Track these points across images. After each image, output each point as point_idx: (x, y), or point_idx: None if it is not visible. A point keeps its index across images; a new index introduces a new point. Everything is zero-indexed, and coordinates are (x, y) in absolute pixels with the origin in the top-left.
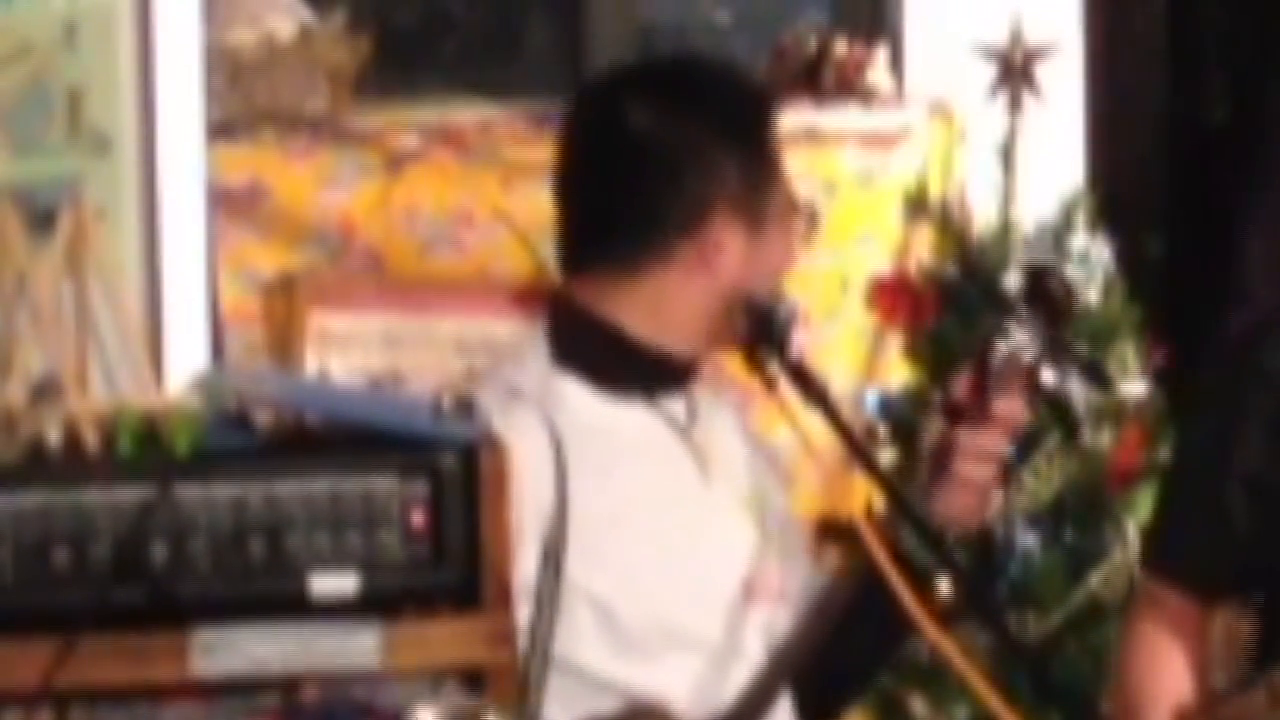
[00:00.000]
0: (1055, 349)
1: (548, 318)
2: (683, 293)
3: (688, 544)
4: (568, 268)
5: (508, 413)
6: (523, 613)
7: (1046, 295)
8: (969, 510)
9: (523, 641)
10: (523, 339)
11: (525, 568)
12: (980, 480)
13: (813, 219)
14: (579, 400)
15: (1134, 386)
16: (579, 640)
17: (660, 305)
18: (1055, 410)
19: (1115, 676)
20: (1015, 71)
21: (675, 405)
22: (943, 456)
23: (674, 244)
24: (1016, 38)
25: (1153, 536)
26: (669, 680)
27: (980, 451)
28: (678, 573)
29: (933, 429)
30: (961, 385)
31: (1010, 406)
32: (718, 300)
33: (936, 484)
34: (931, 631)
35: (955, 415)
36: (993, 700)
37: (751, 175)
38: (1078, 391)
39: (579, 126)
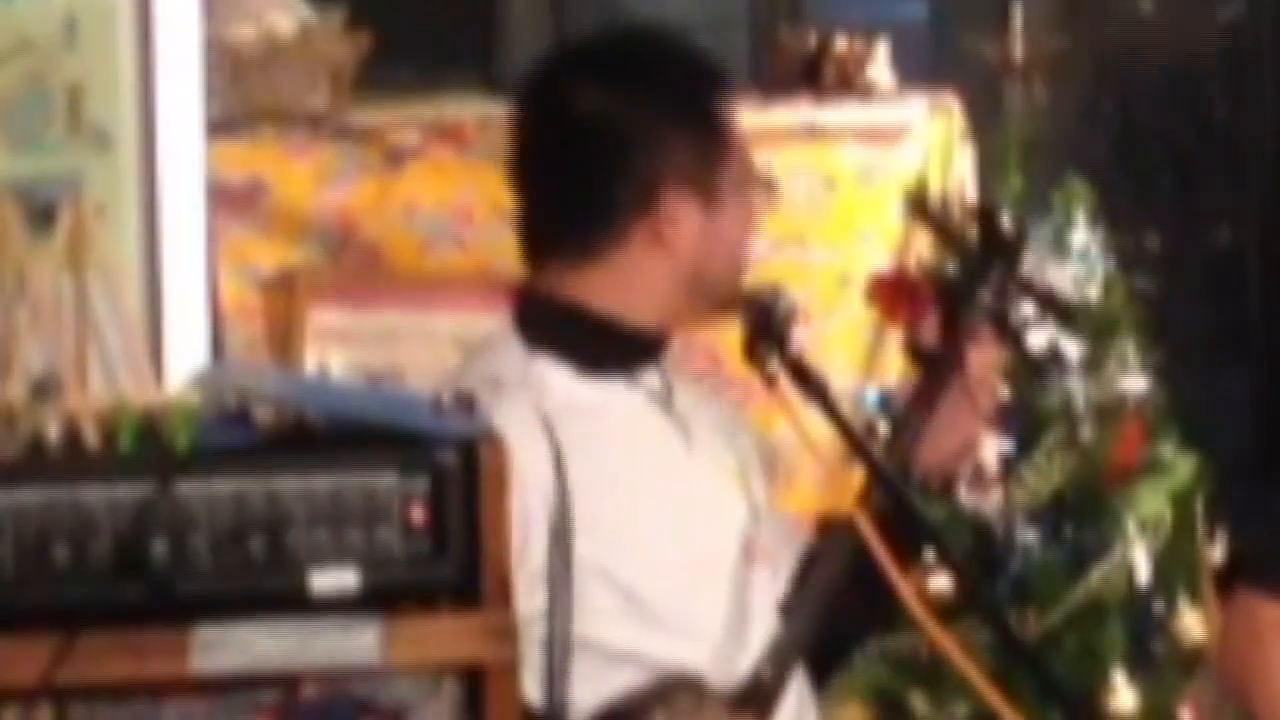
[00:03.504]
0: (1015, 287)
1: (515, 309)
2: (643, 270)
3: (686, 512)
4: (530, 256)
5: (494, 403)
6: (538, 598)
7: (998, 235)
8: (953, 456)
9: (542, 626)
10: (491, 334)
11: (535, 554)
12: (976, 420)
13: (771, 187)
14: (559, 382)
15: (1134, 383)
16: (598, 617)
17: (623, 284)
18: (1049, 308)
19: (1253, 708)
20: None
21: (651, 379)
22: (921, 405)
23: (629, 223)
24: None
25: (1270, 558)
26: (692, 648)
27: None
28: (683, 540)
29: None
30: (930, 332)
31: (984, 352)
32: (679, 275)
33: (920, 433)
34: (933, 630)
35: (928, 364)
36: (993, 697)
37: (702, 149)
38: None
39: (526, 111)
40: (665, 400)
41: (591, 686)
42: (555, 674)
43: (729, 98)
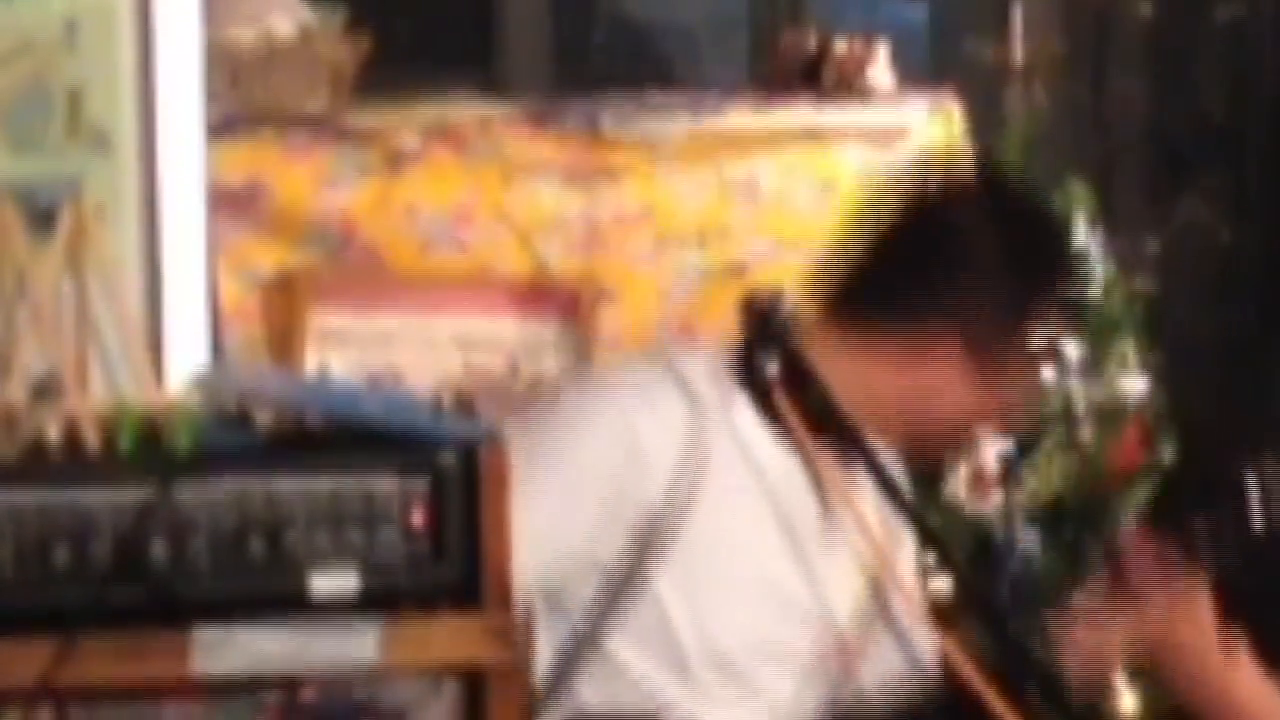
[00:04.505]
0: None
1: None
2: (883, 387)
3: (779, 597)
4: (824, 304)
5: (645, 380)
6: (586, 587)
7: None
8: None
9: (575, 617)
10: (691, 346)
11: (603, 546)
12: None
13: (1009, 413)
14: (743, 417)
15: (1134, 385)
16: (630, 638)
17: (858, 373)
18: None
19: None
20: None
21: (841, 474)
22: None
23: (901, 333)
24: None
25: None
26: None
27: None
28: (757, 622)
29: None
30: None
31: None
32: (903, 403)
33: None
34: None
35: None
36: (993, 700)
37: (998, 325)
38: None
39: (920, 191)
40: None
41: (602, 694)
42: (563, 668)
43: (1056, 309)
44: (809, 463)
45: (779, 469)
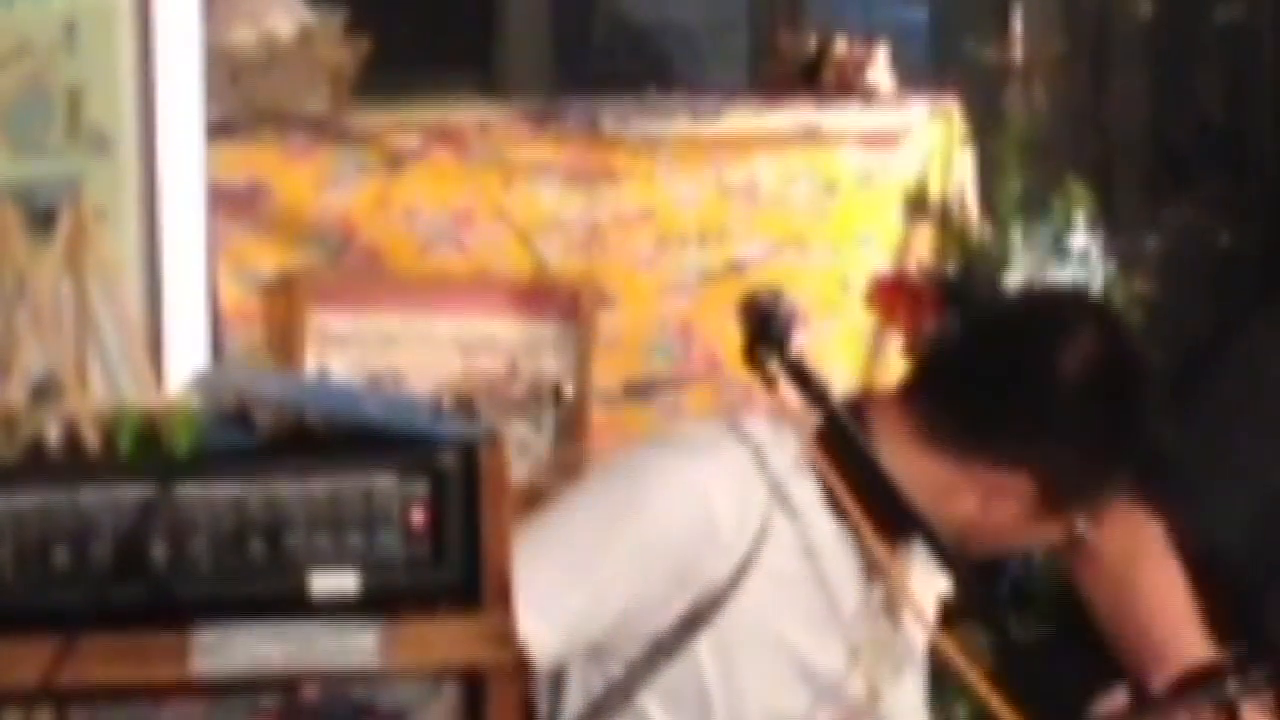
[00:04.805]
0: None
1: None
2: (950, 495)
3: (814, 679)
4: (911, 394)
5: (735, 459)
6: (633, 647)
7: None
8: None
9: (615, 669)
10: (793, 415)
11: (669, 612)
12: None
13: (1076, 545)
14: (803, 491)
15: None
16: (664, 696)
17: (927, 482)
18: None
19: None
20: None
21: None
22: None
23: (978, 459)
24: None
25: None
26: None
27: None
28: (788, 700)
29: None
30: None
31: None
32: (966, 522)
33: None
34: None
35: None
36: (993, 700)
37: (1077, 481)
38: None
39: (1032, 303)
40: (874, 578)
41: None
42: (596, 716)
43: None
44: (858, 534)
45: (832, 551)
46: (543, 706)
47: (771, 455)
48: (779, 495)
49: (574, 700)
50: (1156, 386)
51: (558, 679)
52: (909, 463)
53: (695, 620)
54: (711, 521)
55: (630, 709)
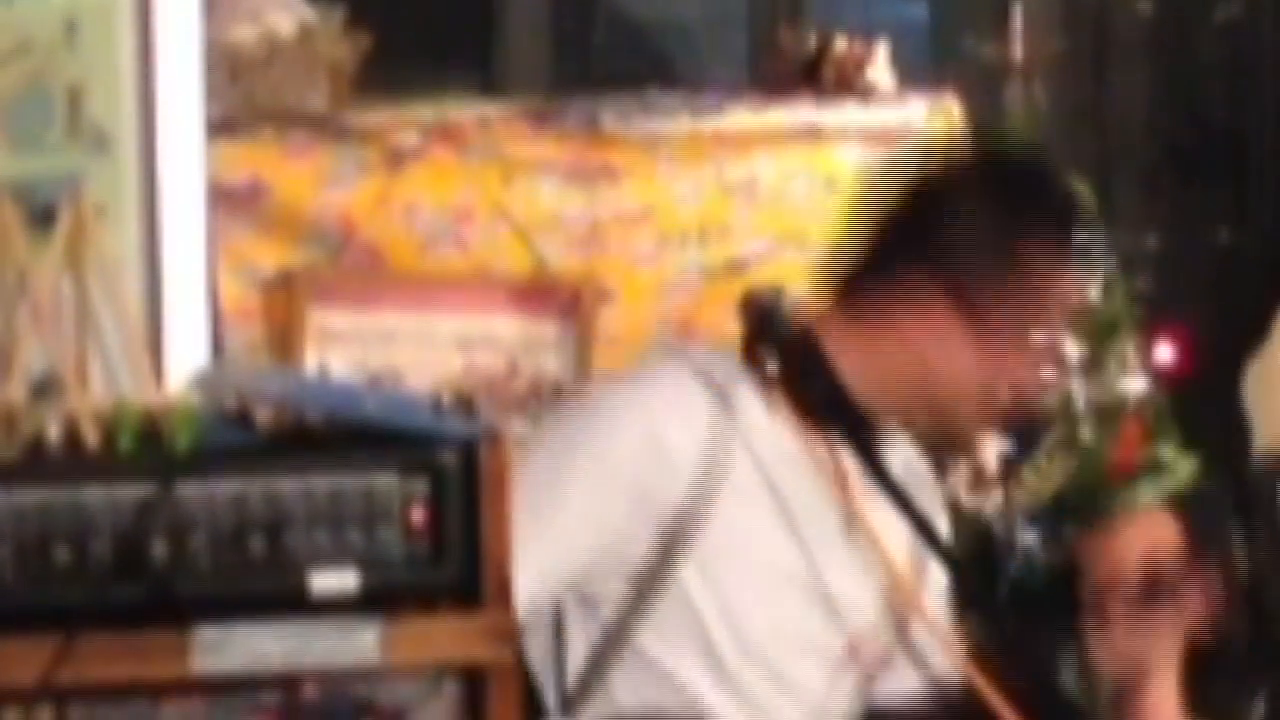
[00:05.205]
0: None
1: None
2: (878, 348)
3: (802, 590)
4: (829, 295)
5: (670, 374)
6: (615, 585)
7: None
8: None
9: (607, 614)
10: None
11: (636, 545)
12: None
13: (1051, 355)
14: (755, 412)
15: (1134, 383)
16: (661, 634)
17: (859, 350)
18: None
19: None
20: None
21: (855, 464)
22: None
23: (895, 301)
24: None
25: None
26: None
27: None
28: (783, 614)
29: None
30: None
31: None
32: (906, 373)
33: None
34: None
35: None
36: (994, 700)
37: (986, 271)
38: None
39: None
40: (854, 476)
41: (637, 693)
42: (596, 667)
43: (1052, 239)
44: (822, 457)
45: (789, 463)
46: (545, 668)
47: (722, 378)
48: (735, 415)
49: (577, 653)
50: (1036, 169)
51: (558, 634)
52: (855, 362)
53: (671, 547)
54: (657, 439)
55: (631, 651)
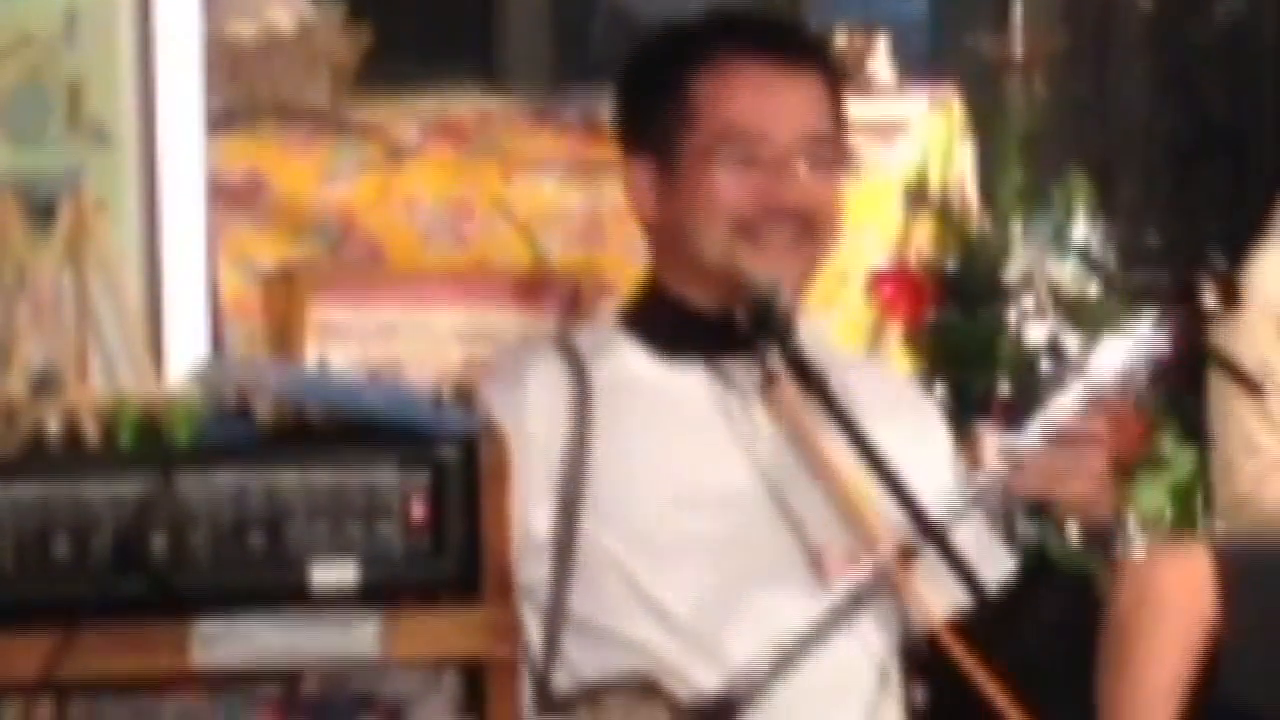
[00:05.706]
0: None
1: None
2: (651, 244)
3: (719, 513)
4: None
5: (526, 354)
6: (542, 568)
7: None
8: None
9: (545, 595)
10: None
11: (536, 522)
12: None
13: (787, 167)
14: (635, 362)
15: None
16: (593, 595)
17: (659, 258)
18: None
19: None
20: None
21: (743, 371)
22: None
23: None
24: None
25: None
26: (702, 665)
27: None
28: (702, 538)
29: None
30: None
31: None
32: (660, 246)
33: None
34: None
35: None
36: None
37: (657, 113)
38: None
39: None
40: (751, 394)
41: (595, 661)
42: (550, 646)
43: (703, 58)
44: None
45: (665, 383)
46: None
47: (582, 339)
48: (597, 364)
49: (535, 642)
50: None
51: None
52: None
53: (568, 507)
54: (522, 415)
55: (576, 623)
